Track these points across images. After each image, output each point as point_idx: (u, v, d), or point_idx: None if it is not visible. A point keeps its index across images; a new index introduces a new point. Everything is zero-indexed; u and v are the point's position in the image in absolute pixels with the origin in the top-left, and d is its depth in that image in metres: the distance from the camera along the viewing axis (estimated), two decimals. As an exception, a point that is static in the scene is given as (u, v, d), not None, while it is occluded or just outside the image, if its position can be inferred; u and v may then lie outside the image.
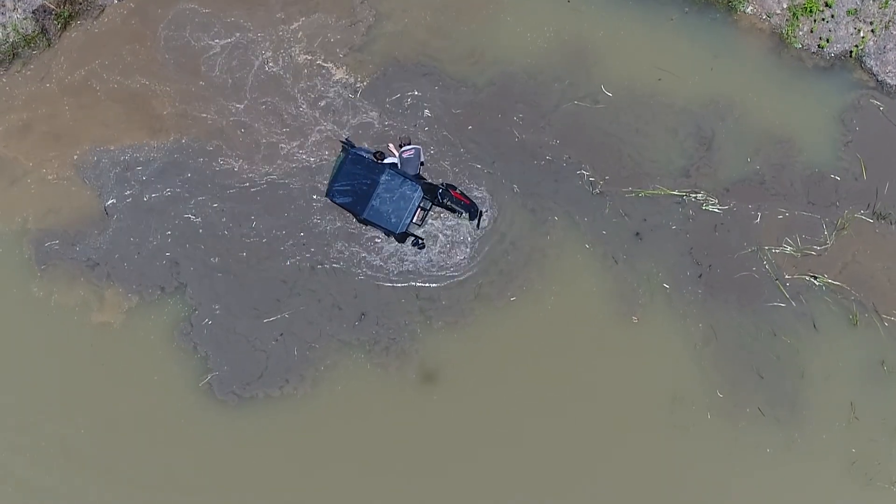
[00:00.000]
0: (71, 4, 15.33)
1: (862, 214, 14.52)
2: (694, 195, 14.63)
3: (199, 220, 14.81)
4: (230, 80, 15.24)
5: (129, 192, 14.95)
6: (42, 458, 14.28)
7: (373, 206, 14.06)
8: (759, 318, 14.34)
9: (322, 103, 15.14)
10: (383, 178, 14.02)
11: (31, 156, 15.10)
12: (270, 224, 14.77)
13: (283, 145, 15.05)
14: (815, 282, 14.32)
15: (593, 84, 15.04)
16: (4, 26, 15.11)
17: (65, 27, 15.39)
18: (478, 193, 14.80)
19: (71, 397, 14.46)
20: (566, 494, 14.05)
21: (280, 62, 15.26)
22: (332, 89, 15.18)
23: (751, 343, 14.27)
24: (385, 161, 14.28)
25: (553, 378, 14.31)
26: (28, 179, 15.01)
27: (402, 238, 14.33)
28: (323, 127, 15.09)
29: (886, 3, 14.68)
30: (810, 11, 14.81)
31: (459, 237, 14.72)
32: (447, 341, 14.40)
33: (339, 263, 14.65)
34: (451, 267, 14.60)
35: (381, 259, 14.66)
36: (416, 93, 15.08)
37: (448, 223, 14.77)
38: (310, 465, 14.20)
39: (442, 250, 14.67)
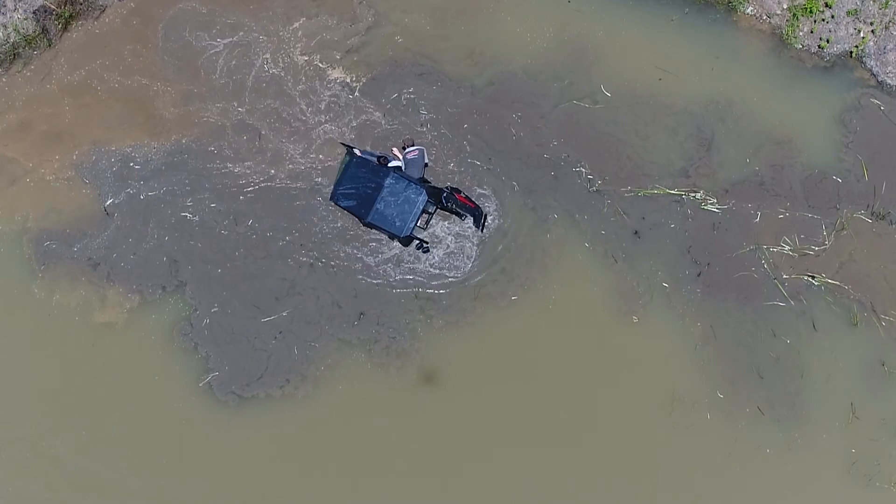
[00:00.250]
0: (72, 5, 15.35)
1: (861, 214, 14.52)
2: (693, 194, 14.64)
3: (198, 218, 14.83)
4: (231, 81, 15.26)
5: (129, 191, 14.96)
6: (43, 459, 14.29)
7: (377, 209, 14.06)
8: (758, 318, 14.35)
9: (322, 104, 15.16)
10: (388, 181, 14.02)
11: (31, 156, 15.12)
12: (270, 224, 14.79)
13: (283, 146, 15.06)
14: (813, 282, 14.33)
15: (593, 84, 15.05)
16: (5, 26, 15.12)
17: (65, 27, 15.40)
18: (481, 190, 14.79)
19: (72, 398, 14.47)
20: (566, 494, 14.05)
21: (280, 63, 15.28)
22: (332, 90, 15.19)
23: (750, 343, 14.28)
24: (389, 164, 14.27)
25: (553, 378, 14.31)
26: (28, 179, 15.02)
27: (406, 242, 14.34)
28: (323, 127, 15.10)
29: (887, 3, 14.68)
30: (810, 12, 14.82)
31: (463, 241, 14.73)
32: (448, 341, 14.41)
33: (338, 264, 14.65)
34: (454, 272, 14.59)
35: (380, 261, 14.67)
36: (415, 93, 15.10)
37: (454, 228, 14.80)
38: (310, 465, 14.20)
39: (446, 254, 14.67)
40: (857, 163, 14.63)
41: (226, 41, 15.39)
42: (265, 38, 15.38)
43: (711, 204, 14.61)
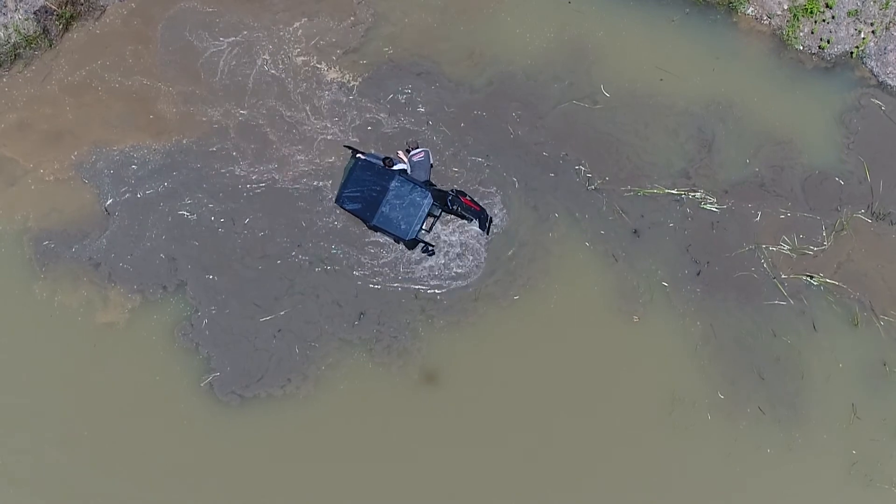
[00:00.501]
0: (72, 5, 15.35)
1: (861, 214, 14.53)
2: (692, 194, 14.64)
3: (198, 218, 14.83)
4: (231, 81, 15.27)
5: (129, 191, 14.96)
6: (44, 459, 14.29)
7: (382, 212, 14.08)
8: (758, 317, 14.35)
9: (322, 104, 15.16)
10: (393, 184, 14.04)
11: (31, 156, 15.12)
12: (271, 224, 14.80)
13: (283, 146, 15.07)
14: (812, 281, 14.33)
15: (593, 85, 15.06)
16: (6, 27, 15.12)
17: (66, 28, 15.41)
18: (484, 189, 14.78)
19: (72, 398, 14.47)
20: (567, 494, 14.06)
21: (280, 63, 15.29)
22: (332, 90, 15.20)
23: (751, 343, 14.28)
24: (395, 167, 14.26)
25: (554, 378, 14.32)
26: (28, 180, 15.02)
27: (411, 245, 14.35)
28: (324, 128, 15.11)
29: (887, 4, 14.69)
30: (811, 13, 14.82)
31: (468, 245, 14.75)
32: (449, 340, 14.41)
33: (339, 265, 14.67)
34: (458, 278, 14.61)
35: (383, 265, 14.70)
36: (415, 93, 15.10)
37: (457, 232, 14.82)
38: (311, 465, 14.20)
39: (451, 258, 14.70)
40: (858, 163, 14.64)
41: (226, 41, 15.39)
42: (266, 39, 15.39)
43: (711, 203, 14.62)
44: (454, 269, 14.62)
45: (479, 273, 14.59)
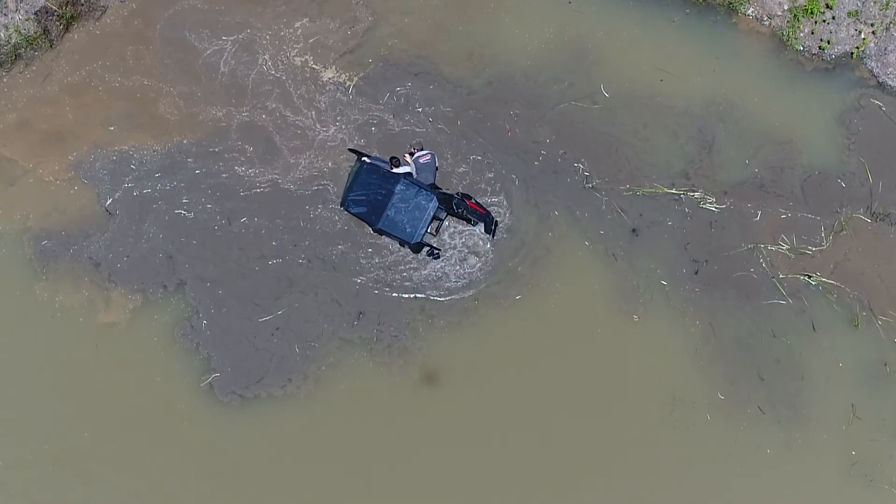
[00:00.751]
0: (73, 6, 15.35)
1: (860, 214, 14.53)
2: (691, 193, 14.65)
3: (196, 218, 14.85)
4: (231, 82, 15.27)
5: (128, 191, 14.97)
6: (44, 460, 14.31)
7: (388, 216, 14.08)
8: (757, 317, 14.36)
9: (322, 105, 15.16)
10: (398, 187, 14.04)
11: (31, 156, 15.12)
12: (272, 225, 14.80)
13: (283, 146, 15.07)
14: (810, 281, 14.34)
15: (593, 85, 15.06)
16: (6, 27, 15.12)
17: (67, 28, 15.41)
18: (486, 185, 14.77)
19: (73, 399, 14.48)
20: (567, 494, 14.08)
21: (280, 64, 15.28)
22: (332, 91, 15.20)
23: (751, 343, 14.29)
24: (400, 170, 14.24)
25: (554, 377, 14.33)
26: (28, 180, 15.02)
27: (417, 248, 14.35)
28: (324, 128, 15.11)
29: (887, 4, 14.69)
30: (811, 13, 14.82)
31: (473, 248, 14.77)
32: (450, 340, 14.42)
33: (339, 266, 14.68)
34: (462, 284, 14.63)
35: (386, 269, 14.72)
36: (413, 93, 15.09)
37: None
38: (312, 465, 14.22)
39: (455, 262, 14.72)
40: (859, 164, 14.64)
41: (227, 41, 15.39)
42: (266, 39, 15.38)
43: (710, 203, 14.63)
44: (454, 281, 14.68)
45: (485, 282, 14.62)
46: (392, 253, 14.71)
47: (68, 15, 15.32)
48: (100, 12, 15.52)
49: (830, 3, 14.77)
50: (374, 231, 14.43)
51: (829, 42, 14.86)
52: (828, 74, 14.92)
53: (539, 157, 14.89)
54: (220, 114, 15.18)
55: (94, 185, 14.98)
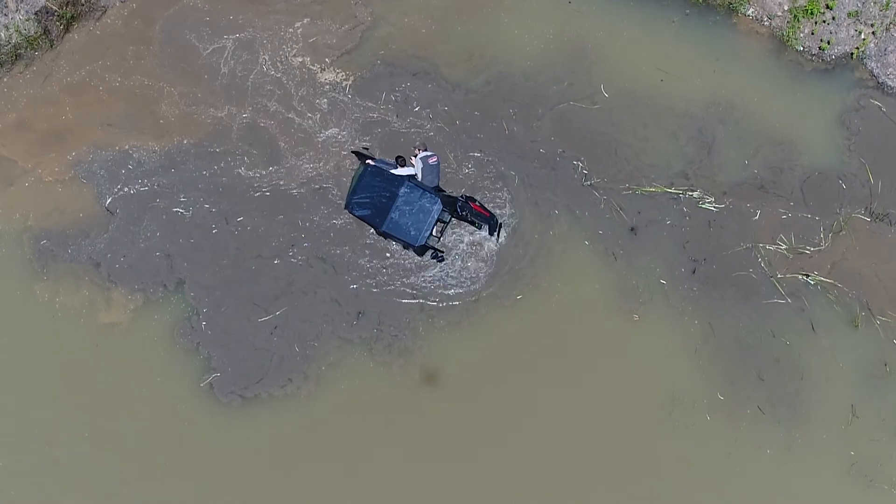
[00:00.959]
0: (73, 6, 15.35)
1: (859, 214, 14.55)
2: (690, 193, 14.66)
3: (195, 217, 14.85)
4: (232, 82, 15.27)
5: (129, 191, 14.98)
6: (44, 461, 14.31)
7: (392, 218, 14.08)
8: (756, 316, 14.36)
9: (322, 107, 15.16)
10: (402, 190, 14.03)
11: (31, 156, 15.12)
12: (273, 224, 14.81)
13: (283, 146, 15.08)
14: (809, 280, 14.35)
15: (593, 85, 15.06)
16: (7, 27, 15.12)
17: (67, 28, 15.41)
18: (490, 182, 14.77)
19: (74, 399, 14.48)
20: (567, 493, 14.09)
21: (280, 65, 15.29)
22: (331, 92, 15.20)
23: (750, 343, 14.29)
24: (403, 171, 14.20)
25: (554, 377, 14.34)
26: (28, 180, 15.02)
27: (421, 251, 14.35)
28: (323, 128, 15.12)
29: (888, 5, 14.69)
30: (811, 14, 14.82)
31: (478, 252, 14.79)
32: (450, 339, 14.43)
33: (339, 267, 14.69)
34: (466, 286, 14.64)
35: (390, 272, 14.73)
36: (413, 93, 15.10)
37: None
38: (313, 465, 14.23)
39: (459, 265, 14.73)
40: (858, 164, 14.65)
41: (227, 41, 15.40)
42: (267, 39, 15.39)
43: (709, 203, 14.64)
44: (456, 285, 14.71)
45: (488, 284, 14.64)
46: (392, 255, 14.72)
47: (68, 15, 15.33)
48: (100, 12, 15.53)
49: (830, 4, 14.78)
50: (379, 234, 14.43)
51: (829, 42, 14.87)
52: (828, 75, 14.93)
53: (538, 155, 14.89)
54: (221, 114, 15.18)
55: (94, 184, 14.98)
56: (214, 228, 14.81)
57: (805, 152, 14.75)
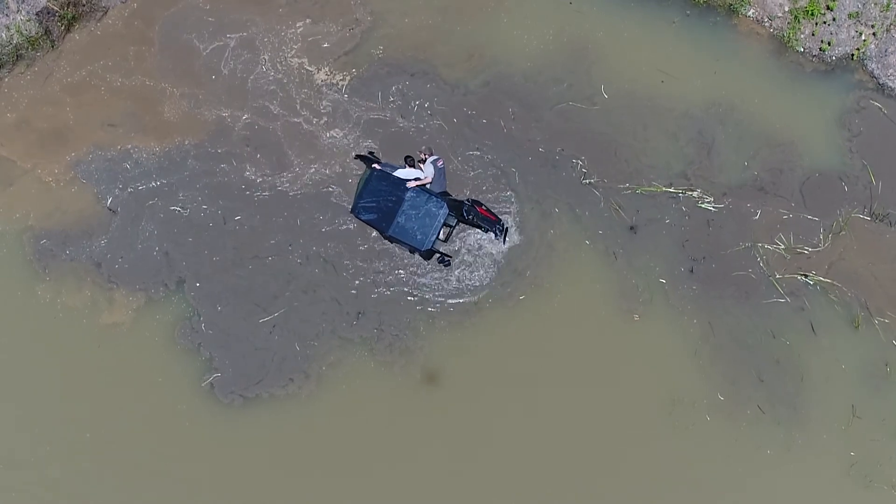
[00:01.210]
0: (74, 6, 15.36)
1: (859, 214, 14.55)
2: (689, 192, 14.66)
3: (196, 217, 14.88)
4: (232, 83, 15.29)
5: (130, 192, 15.00)
6: (46, 460, 14.35)
7: (398, 222, 14.07)
8: (756, 315, 14.35)
9: (323, 107, 15.18)
10: (409, 194, 14.02)
11: (31, 156, 15.16)
12: (272, 224, 14.84)
13: (283, 148, 15.10)
14: (808, 280, 14.36)
15: (593, 86, 15.06)
16: (8, 28, 15.14)
17: (68, 29, 15.43)
18: (494, 182, 14.80)
19: (74, 400, 14.52)
20: (567, 494, 14.10)
21: (280, 65, 15.30)
22: (332, 92, 15.21)
23: (750, 343, 14.28)
24: (404, 173, 14.16)
25: (555, 377, 14.34)
26: (28, 180, 15.05)
27: (427, 255, 14.34)
28: (324, 129, 15.14)
29: (888, 6, 14.69)
30: (812, 15, 14.82)
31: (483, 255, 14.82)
32: (451, 339, 14.44)
33: (339, 267, 14.70)
34: (470, 290, 14.67)
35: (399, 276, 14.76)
36: (413, 93, 15.12)
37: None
38: (314, 465, 14.25)
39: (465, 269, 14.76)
40: (859, 166, 14.65)
41: (227, 41, 15.41)
42: (267, 39, 15.40)
43: (708, 202, 14.65)
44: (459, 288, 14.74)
45: (492, 287, 14.66)
46: (393, 257, 14.74)
47: (70, 15, 15.34)
48: (101, 13, 15.55)
49: (831, 5, 14.78)
50: (385, 238, 14.44)
51: (829, 44, 14.87)
52: (828, 76, 14.93)
53: (537, 154, 14.90)
54: (221, 115, 15.20)
55: (94, 184, 15.00)
56: (212, 226, 14.83)
57: (805, 154, 14.75)
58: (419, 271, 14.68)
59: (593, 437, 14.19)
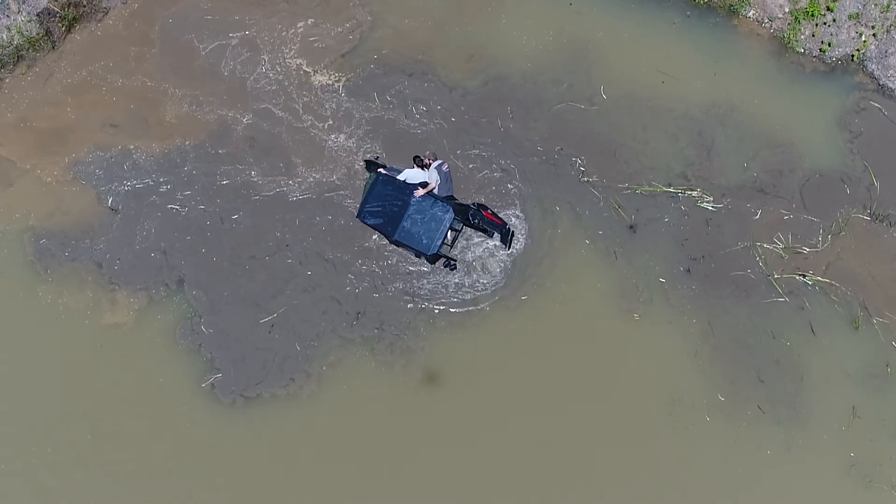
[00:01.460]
0: (75, 7, 15.38)
1: (859, 214, 14.56)
2: (689, 192, 14.68)
3: (196, 216, 14.89)
4: (232, 83, 15.30)
5: (130, 192, 15.01)
6: (47, 460, 14.35)
7: (404, 227, 14.09)
8: (756, 316, 14.36)
9: (323, 106, 15.19)
10: (414, 199, 14.06)
11: (31, 156, 15.17)
12: (271, 224, 14.85)
13: (283, 149, 15.11)
14: (806, 280, 14.37)
15: (593, 87, 15.07)
16: (9, 29, 15.15)
17: (69, 30, 15.44)
18: (498, 183, 14.81)
19: (75, 400, 14.53)
20: (567, 494, 14.11)
21: (280, 66, 15.31)
22: (332, 93, 15.22)
23: (750, 343, 14.29)
24: (405, 175, 14.18)
25: (555, 377, 14.34)
26: (28, 180, 15.06)
27: (433, 259, 14.36)
28: (325, 130, 15.15)
29: (888, 6, 14.69)
30: (812, 16, 14.83)
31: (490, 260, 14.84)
32: (452, 339, 14.45)
33: (339, 268, 14.72)
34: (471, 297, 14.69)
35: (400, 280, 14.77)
36: (412, 93, 15.13)
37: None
38: (313, 465, 14.25)
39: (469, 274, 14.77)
40: (859, 167, 14.65)
41: (227, 42, 15.42)
42: (267, 40, 15.41)
43: (707, 202, 14.66)
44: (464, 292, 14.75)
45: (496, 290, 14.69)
46: (394, 259, 14.76)
47: (70, 16, 15.35)
48: (102, 13, 15.56)
49: (831, 6, 14.79)
50: (391, 242, 14.45)
51: (829, 44, 14.87)
52: (828, 77, 14.94)
53: (536, 153, 14.91)
54: (221, 115, 15.21)
55: (95, 185, 15.02)
56: (211, 226, 14.84)
57: (805, 155, 14.75)
58: (421, 273, 14.69)
59: (593, 437, 14.19)
